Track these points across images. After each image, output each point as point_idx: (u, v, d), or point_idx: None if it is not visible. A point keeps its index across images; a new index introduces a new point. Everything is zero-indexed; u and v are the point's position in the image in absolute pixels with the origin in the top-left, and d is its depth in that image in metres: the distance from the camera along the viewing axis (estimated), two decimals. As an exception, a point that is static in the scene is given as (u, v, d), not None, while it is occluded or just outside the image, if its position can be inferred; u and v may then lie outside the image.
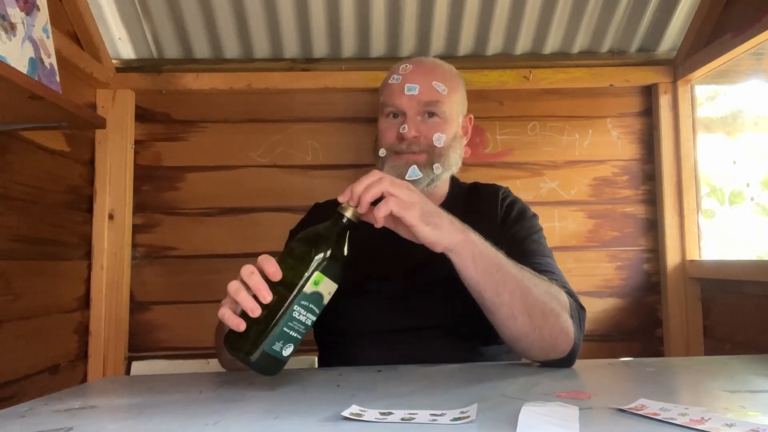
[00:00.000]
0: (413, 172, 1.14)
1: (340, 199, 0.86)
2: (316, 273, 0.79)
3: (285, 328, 0.77)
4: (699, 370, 0.98)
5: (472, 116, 1.29)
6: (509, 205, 1.20)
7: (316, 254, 0.80)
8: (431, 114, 1.17)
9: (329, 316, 1.12)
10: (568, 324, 0.94)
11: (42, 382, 1.36)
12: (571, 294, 1.02)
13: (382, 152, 1.18)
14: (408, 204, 0.85)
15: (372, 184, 0.85)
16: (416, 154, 1.15)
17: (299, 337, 0.79)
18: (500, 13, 1.65)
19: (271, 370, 0.79)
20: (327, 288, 0.81)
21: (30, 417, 0.72)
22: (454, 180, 1.28)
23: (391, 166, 1.16)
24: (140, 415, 0.72)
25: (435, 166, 1.15)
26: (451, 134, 1.19)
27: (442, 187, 1.24)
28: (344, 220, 0.85)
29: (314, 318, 0.80)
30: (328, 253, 0.81)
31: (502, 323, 0.92)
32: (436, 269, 1.11)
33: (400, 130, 1.15)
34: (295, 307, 0.78)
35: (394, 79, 1.19)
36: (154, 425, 0.67)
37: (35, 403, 0.80)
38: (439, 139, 1.16)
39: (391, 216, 0.86)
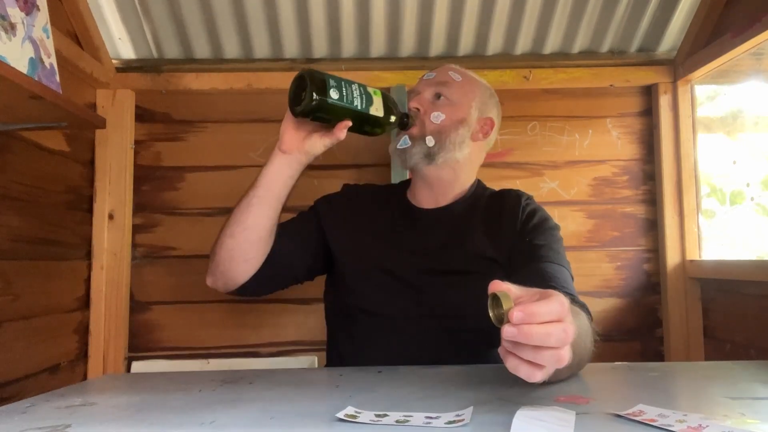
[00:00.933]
0: (404, 141, 1.20)
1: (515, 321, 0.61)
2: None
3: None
4: (702, 375, 0.97)
5: (495, 122, 1.27)
6: (531, 213, 1.20)
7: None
8: (439, 96, 1.22)
9: (342, 294, 1.18)
10: (590, 356, 0.92)
11: (42, 382, 1.36)
12: (584, 307, 0.99)
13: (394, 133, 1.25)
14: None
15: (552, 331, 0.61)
16: (414, 128, 1.20)
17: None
18: (500, 13, 1.64)
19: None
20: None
21: (30, 413, 0.73)
22: (479, 183, 1.29)
23: (394, 143, 1.23)
24: (138, 412, 0.73)
25: (427, 138, 1.19)
26: (455, 118, 1.21)
27: (461, 182, 1.26)
28: (406, 120, 1.10)
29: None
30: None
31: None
32: (447, 260, 1.15)
33: (408, 103, 1.23)
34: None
35: (419, 79, 1.29)
36: (150, 423, 0.67)
37: (37, 400, 0.81)
38: (436, 117, 1.20)
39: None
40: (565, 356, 0.61)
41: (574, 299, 1.00)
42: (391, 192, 1.34)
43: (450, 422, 0.63)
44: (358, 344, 1.14)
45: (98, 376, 1.54)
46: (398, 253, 1.17)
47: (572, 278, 1.10)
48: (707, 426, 0.61)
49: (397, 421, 0.63)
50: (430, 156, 1.19)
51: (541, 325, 0.60)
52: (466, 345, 1.10)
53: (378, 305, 1.13)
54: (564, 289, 1.02)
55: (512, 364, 0.63)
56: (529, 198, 1.25)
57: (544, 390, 0.82)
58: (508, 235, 1.16)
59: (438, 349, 1.09)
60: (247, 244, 1.08)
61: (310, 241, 1.22)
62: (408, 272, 1.15)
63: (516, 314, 0.59)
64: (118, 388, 0.94)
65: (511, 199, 1.23)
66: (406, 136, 1.20)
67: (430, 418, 0.64)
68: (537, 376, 0.62)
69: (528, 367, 0.62)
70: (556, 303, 0.62)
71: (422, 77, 1.27)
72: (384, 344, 1.11)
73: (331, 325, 1.25)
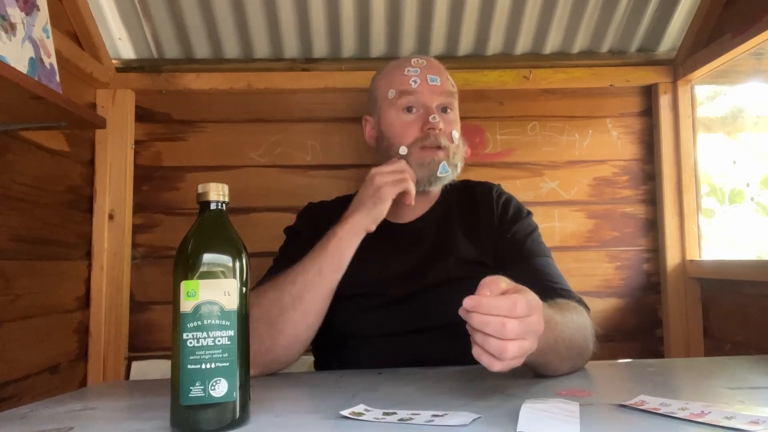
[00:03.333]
0: (443, 168, 1.12)
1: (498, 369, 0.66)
2: (183, 282, 0.63)
3: (190, 366, 0.61)
4: (699, 369, 0.98)
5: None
6: (505, 204, 1.20)
7: (178, 261, 0.63)
8: (445, 109, 1.17)
9: (329, 320, 1.13)
10: (592, 348, 0.96)
11: (42, 382, 1.35)
12: (580, 302, 1.01)
13: (402, 150, 1.13)
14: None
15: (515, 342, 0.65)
16: (441, 150, 1.13)
17: (218, 365, 0.61)
18: (500, 13, 1.65)
19: (205, 422, 0.61)
20: (214, 290, 0.63)
21: (31, 418, 0.73)
22: None
23: (419, 164, 1.12)
24: (140, 415, 0.73)
25: (459, 164, 1.17)
26: (459, 131, 1.20)
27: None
28: (211, 207, 0.66)
29: (227, 333, 0.62)
30: (188, 250, 0.63)
31: (546, 373, 0.90)
32: (437, 272, 1.12)
33: (430, 120, 1.11)
34: (184, 335, 0.61)
35: (409, 71, 1.17)
36: (154, 425, 0.67)
37: (36, 405, 0.80)
38: (454, 136, 1.17)
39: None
40: (508, 348, 0.63)
41: (570, 294, 1.01)
42: None
43: (456, 419, 0.62)
44: (349, 366, 1.08)
45: (97, 383, 1.53)
46: (383, 270, 1.12)
47: (553, 260, 1.12)
48: (710, 412, 0.61)
49: (401, 419, 0.63)
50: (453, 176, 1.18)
51: (483, 315, 0.64)
52: (461, 348, 1.08)
53: (368, 327, 1.09)
54: (558, 285, 1.04)
55: (476, 352, 0.66)
56: (499, 187, 1.24)
57: (545, 385, 0.83)
58: (487, 231, 1.15)
59: (433, 357, 1.05)
60: (309, 330, 1.02)
61: None
62: (395, 287, 1.10)
63: (466, 300, 0.65)
64: (117, 394, 0.94)
65: (483, 193, 1.22)
66: (444, 163, 1.12)
67: (436, 415, 0.64)
68: (495, 366, 0.65)
69: (488, 357, 0.65)
70: (508, 301, 0.65)
71: (427, 81, 1.15)
72: (376, 362, 1.05)
73: (317, 348, 1.19)
